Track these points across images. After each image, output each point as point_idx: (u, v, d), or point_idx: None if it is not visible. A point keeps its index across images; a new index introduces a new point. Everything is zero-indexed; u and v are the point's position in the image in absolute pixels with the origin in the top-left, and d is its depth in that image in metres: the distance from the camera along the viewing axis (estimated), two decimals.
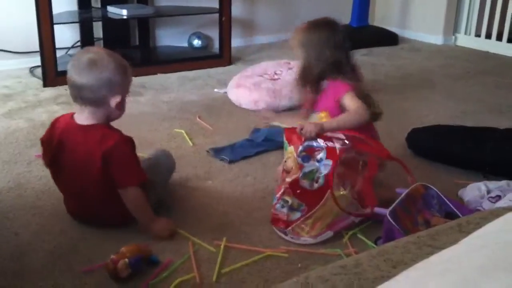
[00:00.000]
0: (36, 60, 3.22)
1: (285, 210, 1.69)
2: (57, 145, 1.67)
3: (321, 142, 1.70)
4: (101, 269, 1.49)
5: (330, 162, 1.66)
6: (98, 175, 1.62)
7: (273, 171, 2.08)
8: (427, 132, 2.30)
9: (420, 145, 2.27)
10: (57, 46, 3.09)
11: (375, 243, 1.61)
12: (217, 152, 2.27)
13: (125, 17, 3.39)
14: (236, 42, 3.95)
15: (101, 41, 3.63)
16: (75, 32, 3.55)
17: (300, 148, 1.70)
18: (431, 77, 3.53)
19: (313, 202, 1.67)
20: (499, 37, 4.18)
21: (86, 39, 3.55)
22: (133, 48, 3.76)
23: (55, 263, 1.54)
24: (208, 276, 1.50)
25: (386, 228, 1.51)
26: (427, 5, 4.47)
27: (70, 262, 1.55)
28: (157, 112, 2.78)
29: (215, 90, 3.14)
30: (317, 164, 1.68)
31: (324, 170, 1.67)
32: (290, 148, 1.74)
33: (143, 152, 1.89)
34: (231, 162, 2.20)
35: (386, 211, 1.52)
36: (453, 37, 4.47)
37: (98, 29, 3.61)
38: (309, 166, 1.68)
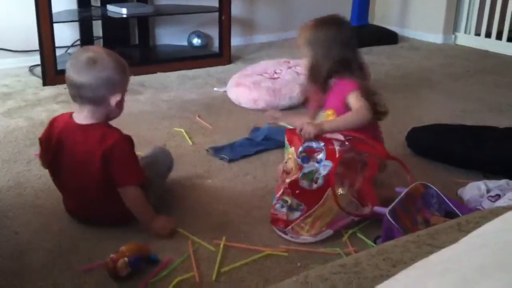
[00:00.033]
0: (36, 59, 3.22)
1: (284, 210, 1.69)
2: (56, 144, 1.67)
3: (320, 143, 1.70)
4: (100, 268, 1.49)
5: (329, 163, 1.66)
6: (97, 175, 1.61)
7: (272, 170, 2.08)
8: (426, 131, 2.30)
9: (420, 144, 2.27)
10: (56, 44, 3.09)
11: (375, 242, 1.61)
12: (217, 151, 2.27)
13: (124, 15, 3.39)
14: (235, 41, 3.95)
15: (101, 40, 3.63)
16: (74, 31, 3.55)
17: (300, 149, 1.71)
18: (430, 76, 3.53)
19: (312, 202, 1.68)
20: (499, 36, 4.18)
21: (86, 38, 3.54)
22: (132, 46, 3.76)
23: (55, 262, 1.54)
24: (208, 275, 1.50)
25: (386, 227, 1.51)
26: (427, 4, 4.47)
27: (69, 261, 1.55)
28: (156, 111, 2.78)
29: (215, 89, 3.14)
30: (316, 165, 1.68)
31: (323, 171, 1.67)
32: (291, 149, 1.74)
33: (141, 151, 1.88)
34: (230, 161, 2.20)
35: (385, 210, 1.52)
36: (453, 36, 4.47)
37: (97, 28, 3.61)
38: (308, 167, 1.68)
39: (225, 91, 3.01)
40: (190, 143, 2.38)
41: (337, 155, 1.66)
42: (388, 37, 4.42)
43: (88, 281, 1.47)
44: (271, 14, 4.38)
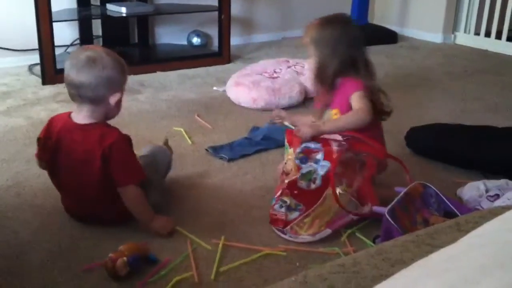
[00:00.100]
0: (35, 58, 3.21)
1: (283, 210, 1.69)
2: (55, 144, 1.67)
3: (318, 143, 1.71)
4: (100, 268, 1.49)
5: (327, 163, 1.67)
6: (97, 174, 1.61)
7: (272, 170, 2.08)
8: (426, 131, 2.30)
9: (419, 143, 2.27)
10: (56, 43, 3.09)
11: (374, 242, 1.61)
12: (216, 150, 2.26)
13: (124, 14, 3.38)
14: (235, 40, 3.95)
15: (100, 39, 3.63)
16: (74, 30, 3.55)
17: (298, 149, 1.71)
18: (430, 76, 3.53)
19: (311, 202, 1.68)
20: (498, 36, 4.18)
21: (85, 37, 3.54)
22: (132, 46, 3.76)
23: (55, 262, 1.54)
24: (207, 274, 1.50)
25: (385, 227, 1.51)
26: (427, 3, 4.47)
27: (69, 261, 1.54)
28: (156, 110, 2.78)
29: (214, 88, 3.14)
30: (314, 165, 1.69)
31: (321, 171, 1.67)
32: (290, 150, 1.75)
33: (139, 150, 1.88)
34: (230, 160, 2.20)
35: (384, 210, 1.52)
36: (452, 35, 4.47)
37: (97, 27, 3.61)
38: (306, 168, 1.69)
39: (225, 91, 3.01)
40: (190, 142, 2.38)
41: (335, 155, 1.67)
42: (388, 36, 4.42)
43: (87, 280, 1.47)
44: (270, 14, 4.38)
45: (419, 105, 2.92)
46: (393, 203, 1.54)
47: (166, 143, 2.07)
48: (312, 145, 1.71)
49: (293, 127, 1.87)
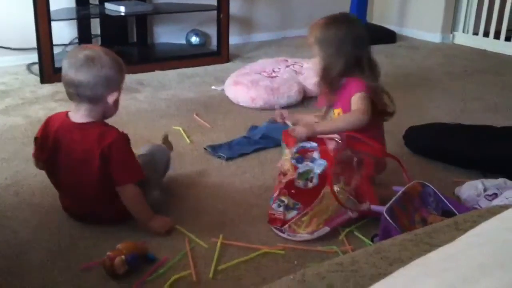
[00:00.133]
0: (34, 57, 3.21)
1: (281, 209, 1.70)
2: (53, 143, 1.66)
3: (313, 143, 1.71)
4: (98, 266, 1.49)
5: (324, 161, 1.67)
6: (96, 173, 1.61)
7: (270, 169, 2.08)
8: (425, 130, 2.30)
9: (418, 143, 2.27)
10: (54, 42, 3.09)
11: (372, 241, 1.61)
12: (215, 149, 2.26)
13: (123, 13, 3.38)
14: (234, 39, 3.95)
15: (99, 38, 3.63)
16: (72, 29, 3.54)
17: (293, 149, 1.72)
18: (428, 75, 3.53)
19: (308, 201, 1.68)
20: (497, 36, 4.18)
21: (84, 36, 3.54)
22: (130, 45, 3.75)
23: (54, 261, 1.54)
24: (205, 273, 1.50)
25: (383, 225, 1.51)
26: (425, 3, 4.48)
27: (69, 260, 1.54)
28: (154, 109, 2.78)
29: (213, 87, 3.14)
30: (311, 164, 1.69)
31: (317, 170, 1.68)
32: (287, 151, 1.75)
33: (137, 149, 1.88)
34: (228, 159, 2.20)
35: (383, 209, 1.52)
36: (451, 35, 4.47)
37: (95, 26, 3.60)
38: (303, 167, 1.70)
39: (223, 90, 3.01)
40: (188, 141, 2.38)
41: (331, 153, 1.67)
42: (387, 36, 4.42)
43: (87, 279, 1.47)
44: (269, 13, 4.38)
45: (419, 105, 2.92)
46: (391, 202, 1.55)
47: (166, 138, 2.06)
48: (307, 144, 1.72)
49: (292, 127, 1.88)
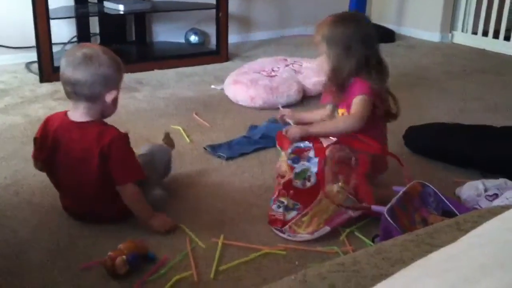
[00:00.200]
0: (33, 55, 3.20)
1: (281, 210, 1.70)
2: (52, 142, 1.66)
3: (307, 143, 1.72)
4: (98, 266, 1.49)
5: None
6: (95, 172, 1.61)
7: (270, 168, 2.08)
8: (424, 130, 2.30)
9: (418, 143, 2.27)
10: (53, 41, 3.08)
11: (373, 241, 1.62)
12: (214, 149, 2.26)
13: (121, 12, 3.38)
14: (233, 38, 3.95)
15: (98, 37, 3.62)
16: (71, 27, 3.54)
17: (289, 150, 1.72)
18: (427, 75, 3.53)
19: (308, 201, 1.68)
20: (496, 35, 4.18)
21: (83, 34, 3.53)
22: (129, 43, 3.75)
23: (54, 261, 1.54)
24: (206, 273, 1.50)
25: (384, 226, 1.51)
26: (424, 2, 4.47)
27: (68, 260, 1.54)
28: (153, 108, 2.78)
29: (212, 86, 3.13)
30: (307, 163, 1.70)
31: (314, 168, 1.68)
32: (283, 153, 1.76)
33: (137, 149, 1.88)
34: (228, 159, 2.20)
35: (383, 209, 1.52)
36: (450, 34, 4.48)
37: (94, 24, 3.60)
38: (299, 167, 1.70)
39: (223, 89, 3.01)
40: (188, 141, 2.38)
41: (325, 151, 1.68)
42: (385, 35, 4.41)
43: (87, 279, 1.47)
44: (268, 11, 4.38)
45: (418, 104, 2.92)
46: (392, 202, 1.54)
47: (167, 136, 2.06)
48: (302, 144, 1.73)
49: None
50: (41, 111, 2.64)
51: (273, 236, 1.68)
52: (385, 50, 4.08)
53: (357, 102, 1.76)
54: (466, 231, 0.85)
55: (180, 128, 2.49)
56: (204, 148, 2.29)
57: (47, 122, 1.72)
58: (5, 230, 1.68)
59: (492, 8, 4.18)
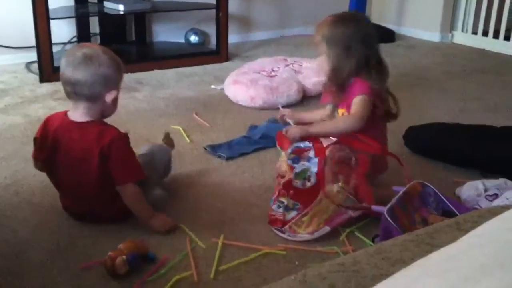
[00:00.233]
0: (33, 55, 3.20)
1: (281, 210, 1.70)
2: (52, 142, 1.66)
3: (307, 142, 1.72)
4: (98, 266, 1.49)
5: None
6: (95, 172, 1.61)
7: (270, 168, 2.08)
8: (424, 130, 2.30)
9: (418, 143, 2.27)
10: (53, 41, 3.08)
11: (373, 241, 1.61)
12: (214, 149, 2.26)
13: (121, 12, 3.38)
14: (233, 38, 3.95)
15: (98, 37, 3.62)
16: (71, 27, 3.54)
17: (289, 150, 1.72)
18: (428, 75, 3.53)
19: (308, 201, 1.68)
20: (496, 35, 4.18)
21: (83, 34, 3.53)
22: (129, 43, 3.75)
23: (54, 260, 1.54)
24: (206, 273, 1.50)
25: (384, 226, 1.51)
26: (424, 2, 4.48)
27: (68, 260, 1.54)
28: (153, 108, 2.78)
29: (212, 86, 3.13)
30: (307, 163, 1.70)
31: (314, 168, 1.68)
32: (283, 153, 1.76)
33: (137, 149, 1.88)
34: (228, 159, 2.20)
35: (384, 209, 1.52)
36: (450, 34, 4.48)
37: (94, 24, 3.60)
38: (299, 167, 1.70)
39: (222, 89, 3.01)
40: (188, 141, 2.38)
41: (324, 150, 1.68)
42: (385, 35, 4.41)
43: (87, 279, 1.47)
44: (268, 11, 4.38)
45: (418, 104, 2.92)
46: (392, 202, 1.54)
47: (167, 136, 2.06)
48: (302, 144, 1.73)
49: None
50: (41, 111, 2.64)
51: (273, 236, 1.68)
52: (385, 50, 4.08)
53: (357, 102, 1.75)
54: (466, 231, 0.85)
55: (180, 128, 2.49)
56: (204, 148, 2.29)
57: (47, 122, 1.71)
58: (5, 230, 1.68)
59: (492, 8, 4.18)
